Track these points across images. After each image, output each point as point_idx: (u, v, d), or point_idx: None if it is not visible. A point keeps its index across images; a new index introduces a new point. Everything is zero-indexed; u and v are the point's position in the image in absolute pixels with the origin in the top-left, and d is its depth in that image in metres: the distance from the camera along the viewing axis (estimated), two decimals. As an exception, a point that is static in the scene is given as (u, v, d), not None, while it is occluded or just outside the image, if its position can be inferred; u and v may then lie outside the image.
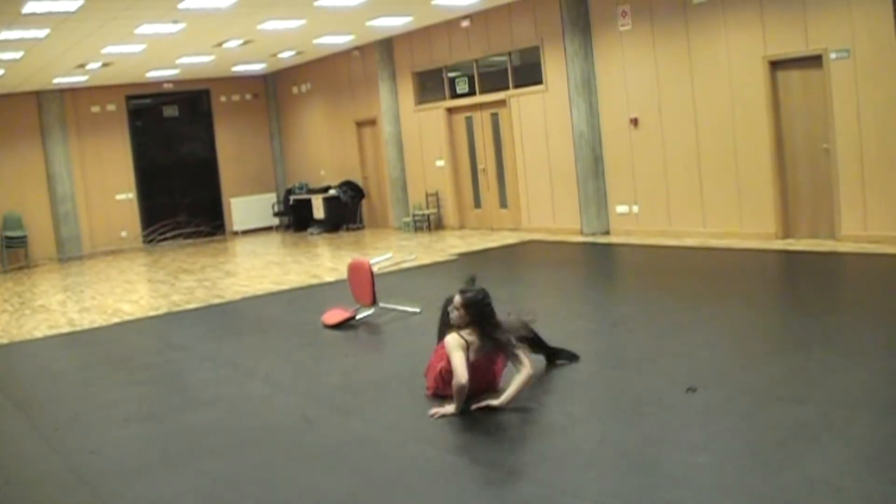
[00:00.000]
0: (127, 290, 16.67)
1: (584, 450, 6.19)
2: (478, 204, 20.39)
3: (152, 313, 13.60)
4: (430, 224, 21.09)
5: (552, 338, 8.33)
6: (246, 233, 25.76)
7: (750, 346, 8.57)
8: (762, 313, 10.09)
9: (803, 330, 8.99)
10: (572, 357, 8.25)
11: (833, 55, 12.90)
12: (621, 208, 16.68)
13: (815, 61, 13.19)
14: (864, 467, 5.36)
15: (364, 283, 11.33)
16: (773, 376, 7.46)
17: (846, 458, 5.49)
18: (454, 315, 7.44)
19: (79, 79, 21.78)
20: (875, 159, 12.68)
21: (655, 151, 15.82)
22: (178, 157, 26.07)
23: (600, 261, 15.39)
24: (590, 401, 7.32)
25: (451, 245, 18.03)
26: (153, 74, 23.02)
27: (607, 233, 16.90)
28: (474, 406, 7.00)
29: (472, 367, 7.09)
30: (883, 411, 6.41)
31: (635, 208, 16.41)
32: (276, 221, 26.06)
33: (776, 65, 13.75)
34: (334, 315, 11.31)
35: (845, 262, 12.30)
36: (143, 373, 10.08)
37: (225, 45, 19.21)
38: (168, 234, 24.71)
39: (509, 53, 18.74)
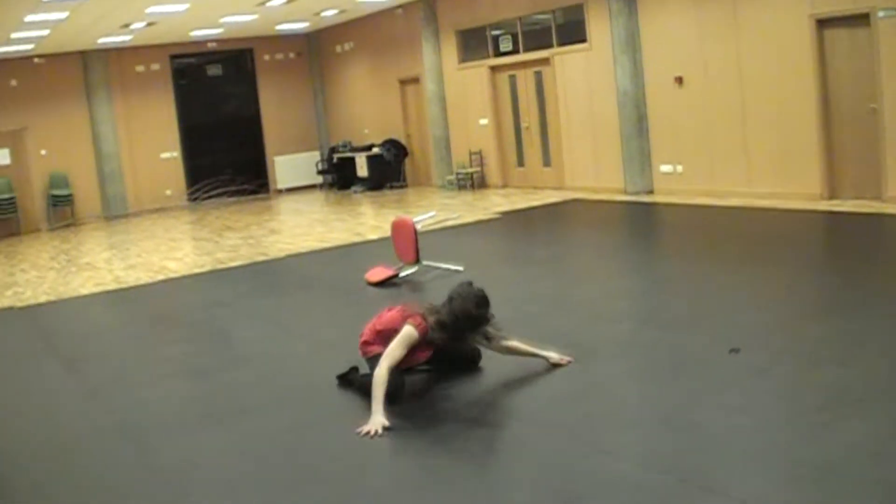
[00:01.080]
0: (172, 247, 16.77)
1: (625, 409, 6.21)
2: (521, 162, 20.34)
3: (197, 271, 13.69)
4: (474, 183, 21.06)
5: (596, 297, 8.31)
6: (290, 191, 25.80)
7: (793, 308, 8.51)
8: (806, 275, 10.02)
9: (847, 292, 8.92)
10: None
11: (881, 13, 12.72)
12: (665, 167, 16.59)
13: (862, 19, 13.00)
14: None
15: (407, 242, 11.35)
16: (816, 339, 7.42)
17: (888, 423, 5.46)
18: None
19: (123, 38, 21.85)
20: (922, 119, 12.56)
21: (700, 110, 15.70)
22: (221, 115, 26.11)
23: (643, 220, 15.33)
24: (631, 361, 7.32)
25: (494, 203, 18.01)
26: (197, 34, 23.02)
27: (651, 192, 16.82)
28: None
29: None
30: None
31: (679, 167, 16.31)
32: (319, 179, 26.06)
33: (823, 23, 13.57)
34: (377, 273, 11.34)
35: (891, 224, 12.18)
36: (187, 330, 10.17)
37: (268, 4, 19.18)
38: (212, 193, 24.79)
39: (553, 11, 18.61)
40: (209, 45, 24.97)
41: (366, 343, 7.12)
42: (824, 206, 13.51)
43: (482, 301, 6.79)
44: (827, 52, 13.62)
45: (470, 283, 6.97)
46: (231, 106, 26.30)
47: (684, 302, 9.14)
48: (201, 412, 7.09)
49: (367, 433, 6.04)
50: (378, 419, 6.15)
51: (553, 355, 7.11)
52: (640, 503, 4.78)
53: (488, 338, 6.90)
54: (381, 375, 6.39)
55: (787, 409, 5.87)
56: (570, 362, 7.05)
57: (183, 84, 25.35)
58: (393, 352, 6.57)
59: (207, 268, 13.85)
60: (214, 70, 26.23)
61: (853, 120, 13.47)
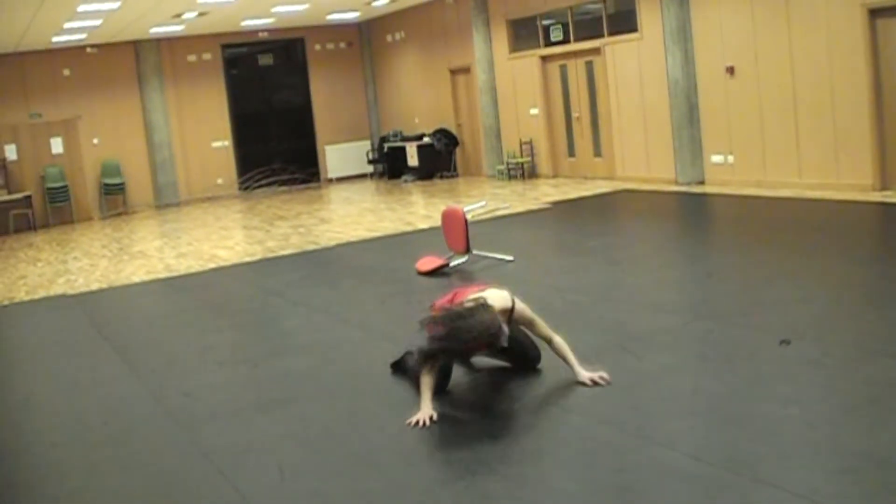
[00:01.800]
0: (223, 236, 16.88)
1: (676, 400, 6.18)
2: (572, 153, 20.30)
3: (247, 259, 13.77)
4: (524, 172, 21.04)
5: (646, 287, 8.29)
6: (340, 180, 25.88)
7: (845, 300, 8.46)
8: (858, 266, 9.95)
9: (900, 283, 8.87)
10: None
11: (936, 2, 12.63)
12: (716, 158, 16.50)
13: (916, 8, 12.91)
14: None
15: (458, 231, 11.36)
16: (868, 331, 7.37)
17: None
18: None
19: (175, 28, 21.99)
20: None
21: (751, 101, 15.60)
22: (273, 105, 26.24)
23: (694, 211, 15.26)
24: (682, 351, 7.29)
25: (544, 193, 17.99)
26: (248, 23, 23.12)
27: (702, 182, 16.74)
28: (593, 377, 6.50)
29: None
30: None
31: (730, 158, 16.22)
32: (370, 169, 26.13)
33: (875, 13, 13.44)
34: (428, 262, 11.36)
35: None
36: (238, 318, 10.24)
37: (320, -7, 19.26)
38: (263, 182, 24.90)
39: (604, 1, 18.56)
40: (260, 34, 25.08)
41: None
42: (876, 197, 13.40)
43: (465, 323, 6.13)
44: (879, 41, 13.49)
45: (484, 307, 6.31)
46: (282, 95, 26.40)
47: (735, 293, 9.10)
48: (252, 400, 7.14)
49: (416, 423, 6.05)
50: (426, 409, 6.14)
51: (583, 372, 6.57)
52: (693, 494, 4.77)
53: (531, 326, 6.80)
54: (419, 369, 6.36)
55: (839, 401, 5.83)
56: (603, 381, 6.49)
57: (234, 73, 25.48)
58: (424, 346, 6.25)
59: (258, 256, 13.93)
60: (266, 59, 26.33)
61: (906, 110, 13.35)
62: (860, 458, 4.97)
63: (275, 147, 25.78)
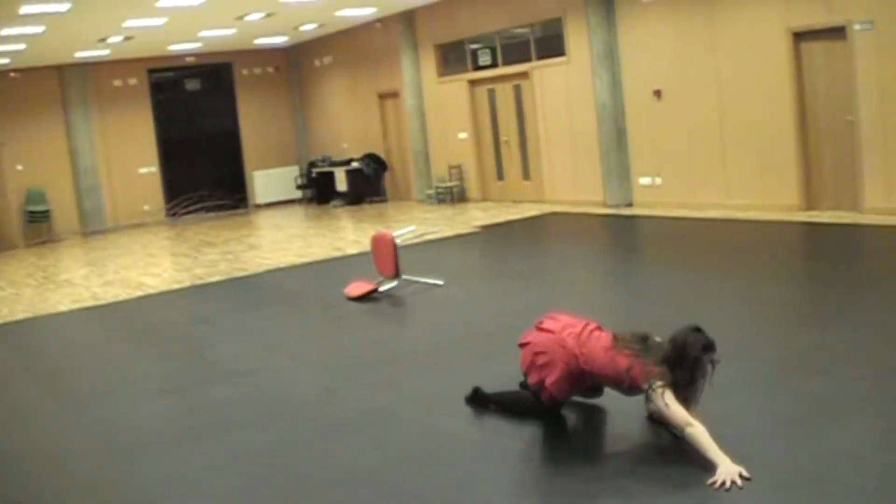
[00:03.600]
0: (150, 263, 16.72)
1: (609, 422, 6.18)
2: (500, 176, 20.35)
3: (176, 286, 13.65)
4: (453, 196, 21.06)
5: (576, 309, 8.28)
6: (269, 205, 25.76)
7: (773, 319, 8.55)
8: (785, 286, 10.06)
9: (827, 303, 8.97)
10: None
11: (857, 26, 12.78)
12: (644, 180, 16.62)
13: (838, 33, 13.05)
14: (889, 440, 5.36)
15: (387, 256, 11.34)
16: (796, 349, 7.45)
17: (870, 431, 5.49)
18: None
19: (101, 53, 21.78)
20: (898, 130, 12.61)
21: (678, 123, 15.74)
22: (200, 130, 26.05)
23: (623, 232, 15.35)
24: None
25: (473, 217, 18.02)
26: (175, 48, 22.97)
27: (630, 204, 16.85)
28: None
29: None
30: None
31: (658, 180, 16.35)
32: (298, 194, 26.04)
33: (800, 36, 13.62)
34: (357, 287, 11.33)
35: (869, 235, 12.24)
36: (167, 346, 10.14)
37: (246, 18, 19.16)
38: (191, 208, 24.75)
39: (532, 25, 18.66)
40: (187, 59, 24.94)
41: (547, 365, 6.05)
42: (803, 217, 13.57)
43: (709, 344, 5.78)
44: (804, 64, 13.68)
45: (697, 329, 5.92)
46: (210, 120, 26.24)
47: (664, 313, 9.13)
48: (185, 428, 7.06)
49: (724, 484, 4.97)
50: (731, 465, 5.09)
51: (722, 469, 5.12)
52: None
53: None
54: (694, 426, 5.35)
55: (768, 418, 5.88)
56: (741, 478, 5.04)
57: (161, 98, 25.30)
58: (678, 411, 5.43)
59: (186, 283, 13.81)
60: (193, 84, 26.17)
61: (830, 132, 13.53)
62: (792, 474, 5.02)
63: (202, 172, 25.59)
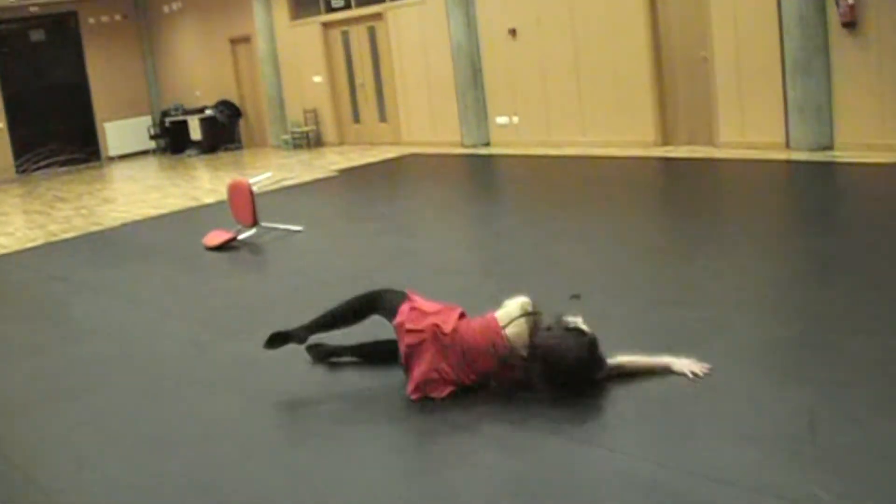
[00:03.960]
0: (1, 222, 16.31)
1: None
2: (357, 119, 20.28)
3: (29, 245, 13.34)
4: (310, 141, 20.94)
5: (437, 250, 8.33)
6: (122, 157, 25.30)
7: (633, 253, 8.66)
8: (644, 221, 10.21)
9: (684, 236, 9.13)
10: None
11: (708, -39, 12.97)
12: (501, 119, 16.69)
13: (690, -33, 13.24)
14: (747, 366, 5.49)
15: (244, 204, 11.24)
16: (656, 281, 7.58)
17: (729, 359, 5.61)
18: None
19: (-61, 5, 21.16)
20: (752, 67, 12.80)
21: (534, 62, 15.81)
22: (47, 82, 25.36)
23: (481, 172, 15.42)
24: (475, 311, 7.35)
25: (330, 161, 17.93)
26: (17, -3, 22.40)
27: (488, 144, 16.92)
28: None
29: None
30: (762, 312, 6.57)
31: (515, 119, 16.43)
32: (152, 145, 25.63)
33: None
34: (215, 237, 11.22)
35: (723, 168, 12.47)
36: (23, 307, 9.92)
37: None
38: (42, 163, 24.17)
39: (383, -34, 18.57)
40: (31, 9, 24.26)
41: (441, 377, 5.60)
42: (659, 152, 13.77)
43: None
44: (658, 2, 13.81)
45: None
46: (57, 72, 25.56)
47: (524, 251, 9.22)
48: (45, 390, 6.91)
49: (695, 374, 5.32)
50: (685, 361, 5.45)
51: (674, 361, 5.54)
52: (490, 448, 4.82)
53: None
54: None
55: (630, 350, 5.96)
56: (703, 371, 5.41)
57: (5, 51, 24.59)
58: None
59: (40, 241, 13.51)
60: (37, 35, 25.42)
61: (685, 69, 13.72)
62: (654, 402, 5.13)
63: (52, 127, 24.97)
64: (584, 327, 5.51)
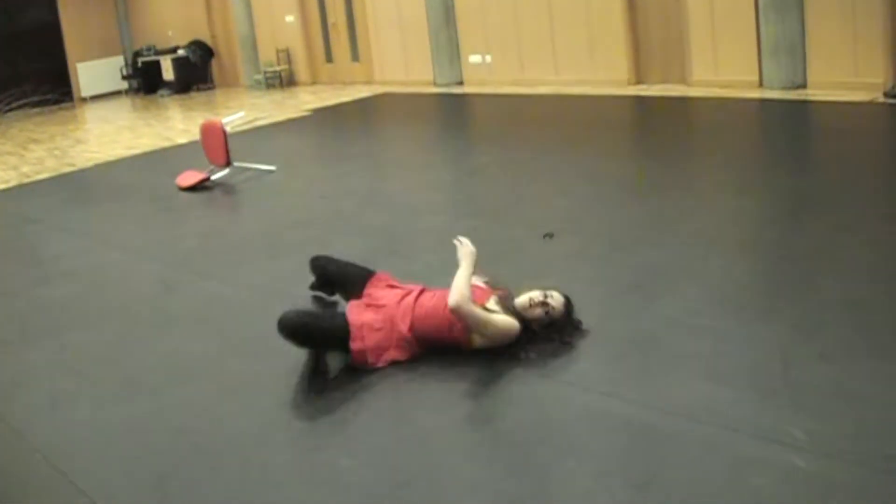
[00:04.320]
0: (-27, 163, 16.24)
1: (445, 300, 6.25)
2: (329, 59, 20.18)
3: (2, 187, 13.26)
4: (282, 81, 20.84)
5: (410, 190, 8.33)
6: (95, 98, 25.11)
7: (605, 192, 8.68)
8: (616, 159, 10.22)
9: (657, 174, 9.13)
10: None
11: None
12: (474, 58, 16.64)
13: None
14: (720, 306, 5.52)
15: (217, 144, 11.19)
16: (628, 220, 7.59)
17: (701, 298, 5.64)
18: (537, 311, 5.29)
19: None
20: (725, 5, 12.79)
21: (507, 0, 15.74)
22: (17, 23, 25.10)
23: (454, 112, 15.38)
24: (449, 251, 7.35)
25: (303, 101, 17.87)
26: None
27: (461, 83, 16.88)
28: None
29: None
30: (735, 252, 6.60)
31: (488, 58, 16.38)
32: (125, 85, 25.44)
33: None
34: (188, 177, 11.18)
35: (697, 107, 12.48)
36: (-5, 248, 9.89)
37: None
38: (13, 105, 23.95)
39: None
40: (-2, -52, 23.99)
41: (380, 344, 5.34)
42: (632, 91, 13.77)
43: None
44: (629, -64, 13.77)
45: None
46: (28, 12, 25.23)
47: (498, 191, 9.23)
48: (17, 332, 6.90)
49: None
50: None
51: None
52: (470, 383, 4.85)
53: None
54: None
55: (603, 289, 6.00)
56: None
57: (-26, -8, 24.34)
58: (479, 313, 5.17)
59: (13, 183, 13.43)
60: (6, -26, 25.21)
61: (658, 6, 13.71)
62: (627, 341, 5.14)
63: (23, 67, 24.70)
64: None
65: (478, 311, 5.10)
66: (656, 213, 7.76)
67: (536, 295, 5.30)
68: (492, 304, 5.32)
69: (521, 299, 5.33)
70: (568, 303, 5.36)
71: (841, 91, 11.64)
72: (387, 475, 4.19)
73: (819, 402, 4.28)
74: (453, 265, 5.38)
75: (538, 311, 5.24)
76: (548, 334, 5.24)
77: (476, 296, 5.25)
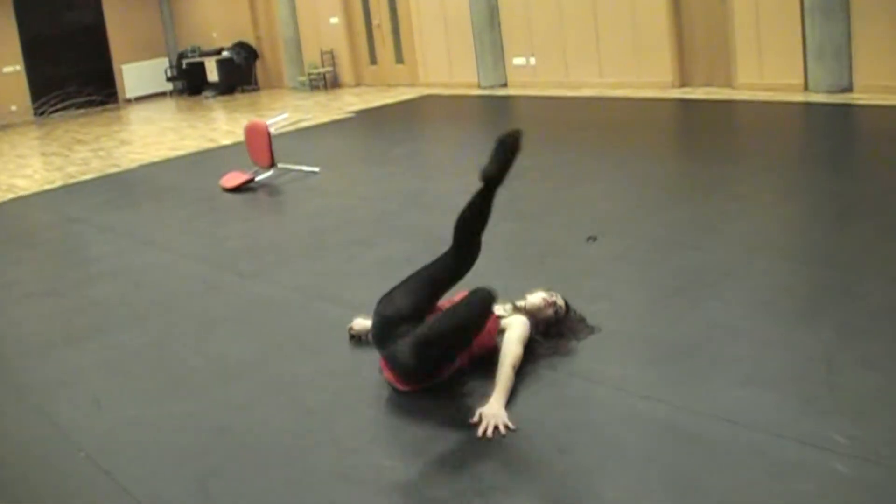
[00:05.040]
0: (20, 164, 16.33)
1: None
2: (373, 60, 20.21)
3: (47, 187, 13.37)
4: (326, 82, 20.88)
5: (453, 192, 8.28)
6: (139, 99, 25.27)
7: (649, 195, 8.64)
8: (661, 162, 10.17)
9: (701, 178, 9.09)
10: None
11: None
12: (518, 60, 16.62)
13: None
14: (762, 310, 5.48)
15: (261, 145, 11.23)
16: (672, 224, 7.55)
17: (744, 302, 5.61)
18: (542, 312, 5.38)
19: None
20: (770, 8, 12.70)
21: (551, 1, 15.70)
22: (64, 25, 25.28)
23: (498, 114, 15.36)
24: (492, 253, 7.34)
25: (347, 103, 17.90)
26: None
27: (504, 85, 16.86)
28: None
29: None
30: (778, 256, 6.54)
31: (532, 60, 16.35)
32: (169, 86, 25.59)
33: None
34: (232, 178, 11.23)
35: (741, 110, 12.41)
36: (40, 248, 9.96)
37: None
38: (59, 106, 24.15)
39: None
40: (46, -50, 24.17)
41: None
42: (676, 93, 13.71)
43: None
44: (676, -61, 13.72)
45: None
46: (74, 14, 25.43)
47: (541, 193, 9.21)
48: (62, 332, 6.95)
49: (485, 432, 4.48)
50: (501, 413, 4.61)
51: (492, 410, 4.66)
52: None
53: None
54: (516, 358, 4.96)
55: (646, 292, 5.98)
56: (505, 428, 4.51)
57: (21, -7, 24.54)
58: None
59: (58, 183, 13.54)
60: (54, -23, 25.41)
61: (703, 8, 13.63)
62: (669, 346, 5.12)
63: (69, 69, 24.90)
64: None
65: (507, 366, 4.89)
66: (700, 216, 7.72)
67: (547, 296, 5.46)
68: (501, 310, 5.37)
69: (535, 300, 5.45)
70: (567, 303, 5.51)
71: (887, 95, 11.54)
72: (429, 476, 4.19)
73: (862, 407, 4.25)
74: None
75: (550, 311, 5.39)
76: (559, 330, 5.37)
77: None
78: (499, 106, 15.69)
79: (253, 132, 11.47)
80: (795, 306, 5.57)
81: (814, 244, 6.84)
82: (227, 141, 15.21)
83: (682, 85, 14.04)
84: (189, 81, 24.67)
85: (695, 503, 3.71)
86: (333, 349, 5.64)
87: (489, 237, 6.64)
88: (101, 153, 16.05)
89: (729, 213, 7.63)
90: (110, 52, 25.45)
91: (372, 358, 5.28)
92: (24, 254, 9.81)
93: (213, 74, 23.51)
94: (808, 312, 5.44)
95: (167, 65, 25.70)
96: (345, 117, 16.14)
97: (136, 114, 22.64)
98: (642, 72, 14.45)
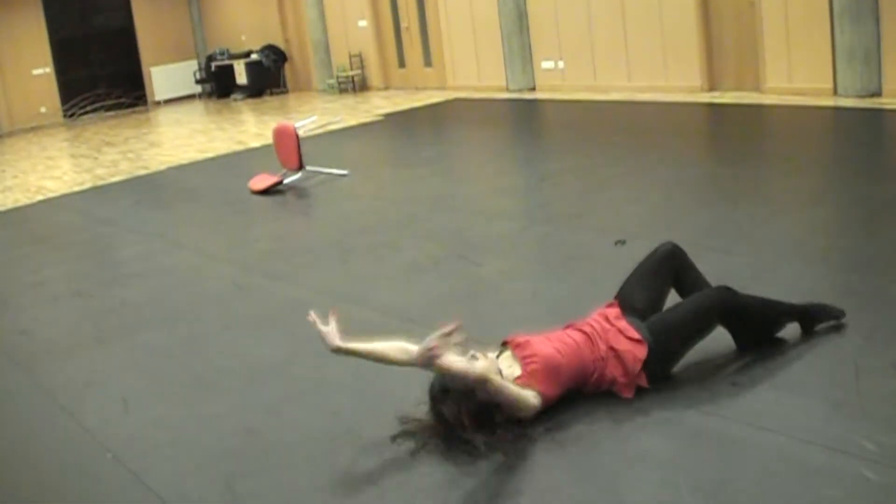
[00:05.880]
0: (49, 166, 16.43)
1: (516, 305, 6.24)
2: (402, 63, 20.22)
3: (77, 189, 13.44)
4: (355, 85, 20.91)
5: (482, 195, 8.30)
6: (168, 102, 25.37)
7: (677, 199, 8.61)
8: (689, 166, 10.13)
9: (730, 182, 9.05)
10: None
11: None
12: (546, 64, 16.59)
13: None
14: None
15: (290, 147, 11.26)
16: (700, 228, 7.52)
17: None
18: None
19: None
20: (799, 12, 12.63)
21: (579, 5, 15.67)
22: (94, 27, 25.43)
23: (526, 117, 15.36)
24: (520, 256, 7.38)
25: (376, 106, 17.92)
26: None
27: (533, 89, 16.84)
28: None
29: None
30: (807, 260, 6.50)
31: (560, 63, 16.32)
32: (198, 89, 25.67)
33: (700, -88, 13.63)
34: (261, 181, 11.25)
35: (770, 114, 12.35)
36: (70, 250, 10.00)
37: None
38: (89, 108, 24.28)
39: None
40: (77, -47, 24.29)
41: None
42: (705, 98, 13.66)
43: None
44: (705, -57, 13.67)
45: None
46: (103, 16, 25.58)
47: (569, 197, 9.20)
48: (90, 333, 6.99)
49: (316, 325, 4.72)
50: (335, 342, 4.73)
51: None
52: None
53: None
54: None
55: (673, 296, 5.95)
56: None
57: (51, -4, 24.67)
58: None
59: (87, 185, 13.61)
60: (84, -21, 25.53)
61: (732, 13, 13.56)
62: (694, 350, 5.09)
63: (98, 71, 25.08)
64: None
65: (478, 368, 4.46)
66: (728, 220, 7.68)
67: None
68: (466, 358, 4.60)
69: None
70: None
71: (917, 99, 11.50)
72: (459, 479, 4.19)
73: (890, 413, 4.21)
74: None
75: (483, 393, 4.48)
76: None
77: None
78: (527, 109, 15.68)
79: (281, 134, 11.49)
80: (824, 311, 5.54)
81: (843, 248, 6.80)
82: (255, 143, 15.25)
83: (711, 89, 13.98)
84: (218, 84, 24.75)
85: (722, 507, 3.70)
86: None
87: (517, 238, 6.64)
88: (129, 155, 16.12)
89: (758, 218, 7.59)
90: (139, 55, 25.58)
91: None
92: (54, 255, 9.85)
93: (241, 77, 23.57)
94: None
95: (196, 67, 25.79)
96: (373, 120, 16.16)
97: (164, 116, 22.73)
98: (671, 76, 14.41)
